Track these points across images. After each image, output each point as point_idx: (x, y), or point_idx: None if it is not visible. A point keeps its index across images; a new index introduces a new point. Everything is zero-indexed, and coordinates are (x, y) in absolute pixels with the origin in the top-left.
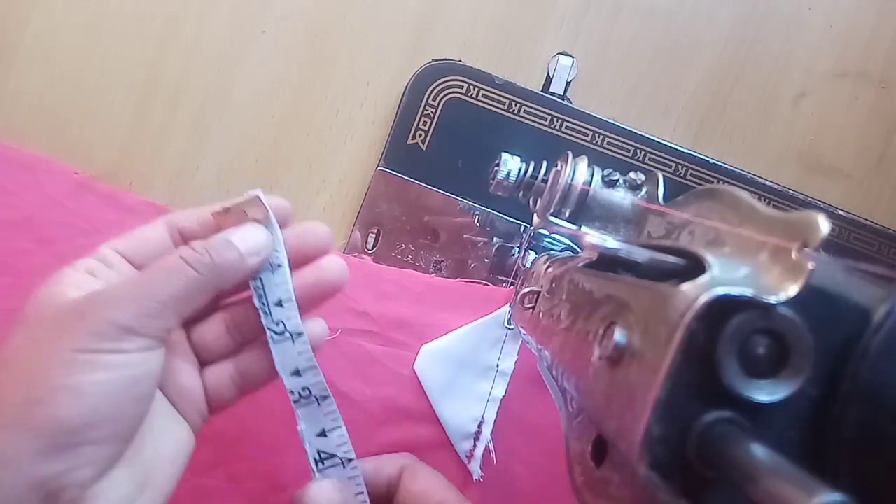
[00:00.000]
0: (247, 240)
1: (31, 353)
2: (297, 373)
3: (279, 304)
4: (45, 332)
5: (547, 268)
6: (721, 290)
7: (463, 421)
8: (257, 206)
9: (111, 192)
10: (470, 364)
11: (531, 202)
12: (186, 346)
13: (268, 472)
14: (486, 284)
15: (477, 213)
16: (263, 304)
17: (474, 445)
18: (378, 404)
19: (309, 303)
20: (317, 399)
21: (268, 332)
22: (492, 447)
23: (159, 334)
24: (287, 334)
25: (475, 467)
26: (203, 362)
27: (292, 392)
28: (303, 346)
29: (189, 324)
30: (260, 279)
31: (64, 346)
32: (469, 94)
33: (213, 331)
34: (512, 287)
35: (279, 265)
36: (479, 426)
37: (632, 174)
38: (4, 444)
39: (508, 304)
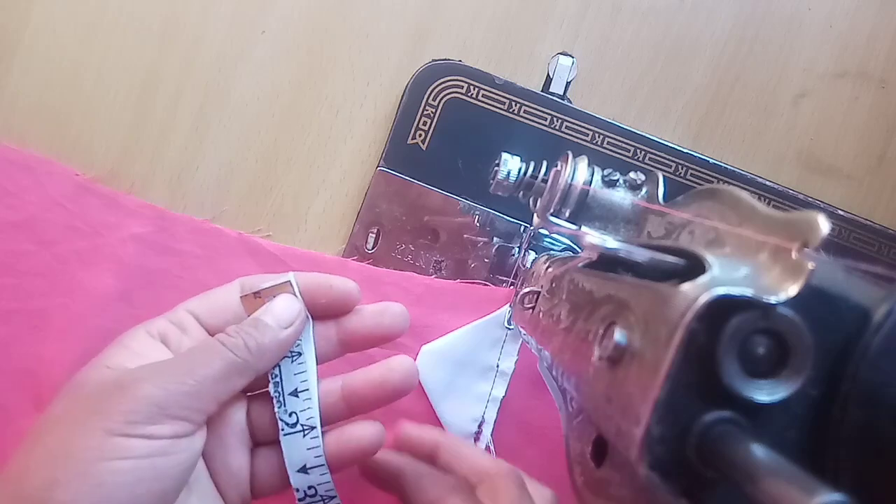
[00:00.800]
0: (278, 315)
1: (63, 428)
2: (304, 469)
3: (294, 393)
4: (81, 406)
5: (547, 268)
6: (721, 290)
7: (463, 421)
8: (288, 291)
9: (111, 194)
10: (470, 364)
11: (531, 202)
12: (244, 425)
13: None
14: (485, 285)
15: (477, 213)
16: (278, 392)
17: (474, 445)
18: None
19: (369, 404)
20: (322, 499)
21: (279, 424)
22: (492, 447)
23: (195, 418)
24: (299, 426)
25: None
26: (257, 443)
27: (297, 490)
28: (314, 441)
29: (251, 399)
30: (278, 366)
31: (97, 424)
32: (469, 94)
33: (272, 412)
34: (512, 287)
35: (300, 353)
36: (480, 426)
37: (632, 174)
38: None
39: (508, 304)
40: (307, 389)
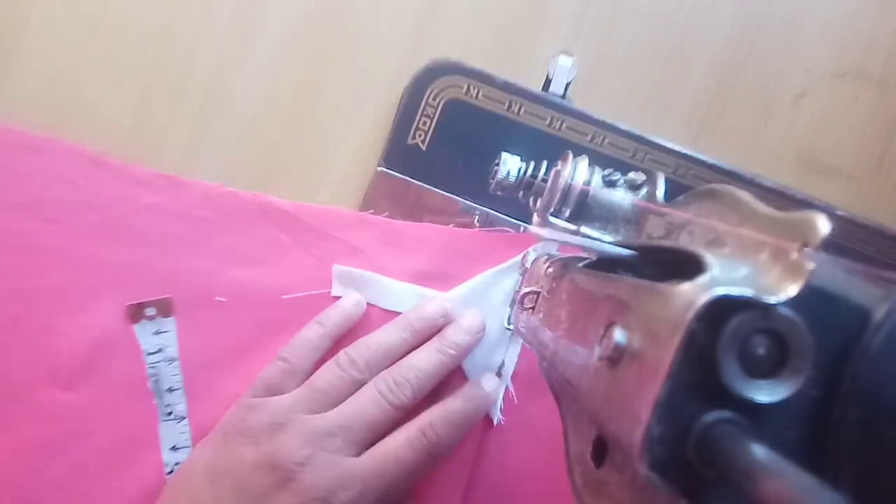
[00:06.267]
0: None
1: None
2: (174, 448)
3: (170, 390)
4: None
5: (547, 268)
6: (721, 291)
7: (484, 366)
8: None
9: (122, 166)
10: (491, 310)
11: (531, 202)
12: None
13: None
14: (506, 231)
15: (477, 213)
16: (158, 389)
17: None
18: None
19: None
20: None
21: (158, 413)
22: (512, 390)
23: None
24: (173, 416)
25: (495, 412)
26: None
27: (167, 464)
28: (183, 427)
29: None
30: (156, 368)
31: None
32: (469, 94)
33: None
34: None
35: (174, 358)
36: (500, 370)
37: (632, 174)
38: None
39: (531, 248)
40: (180, 388)
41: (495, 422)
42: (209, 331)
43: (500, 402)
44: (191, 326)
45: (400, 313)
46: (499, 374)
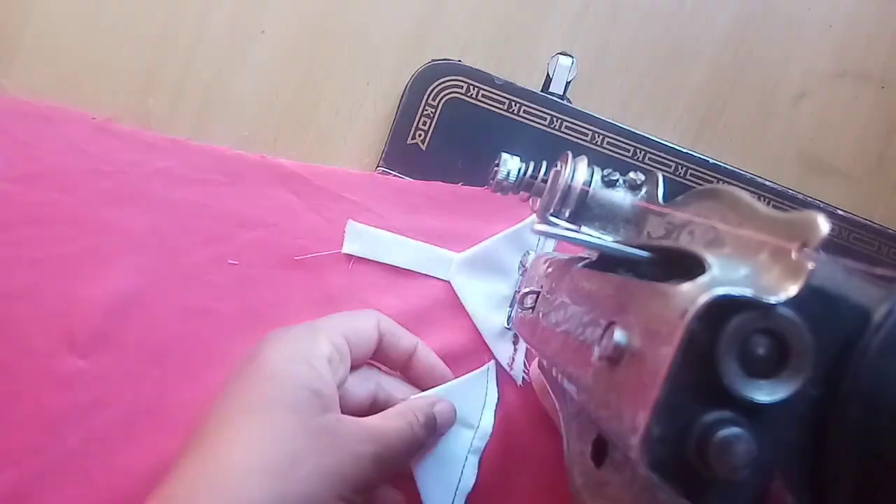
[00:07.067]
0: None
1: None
2: None
3: None
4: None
5: (547, 268)
6: (721, 291)
7: (501, 328)
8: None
9: (131, 131)
10: (505, 272)
11: (531, 202)
12: None
13: None
14: None
15: None
16: None
17: (515, 350)
18: (411, 317)
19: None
20: None
21: None
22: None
23: None
24: None
25: (517, 373)
26: None
27: None
28: None
29: None
30: None
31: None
32: (469, 94)
33: None
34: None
35: None
36: (517, 335)
37: (632, 174)
38: None
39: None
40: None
41: (518, 383)
42: (223, 294)
43: (522, 363)
44: (204, 291)
45: (410, 271)
46: (517, 336)
